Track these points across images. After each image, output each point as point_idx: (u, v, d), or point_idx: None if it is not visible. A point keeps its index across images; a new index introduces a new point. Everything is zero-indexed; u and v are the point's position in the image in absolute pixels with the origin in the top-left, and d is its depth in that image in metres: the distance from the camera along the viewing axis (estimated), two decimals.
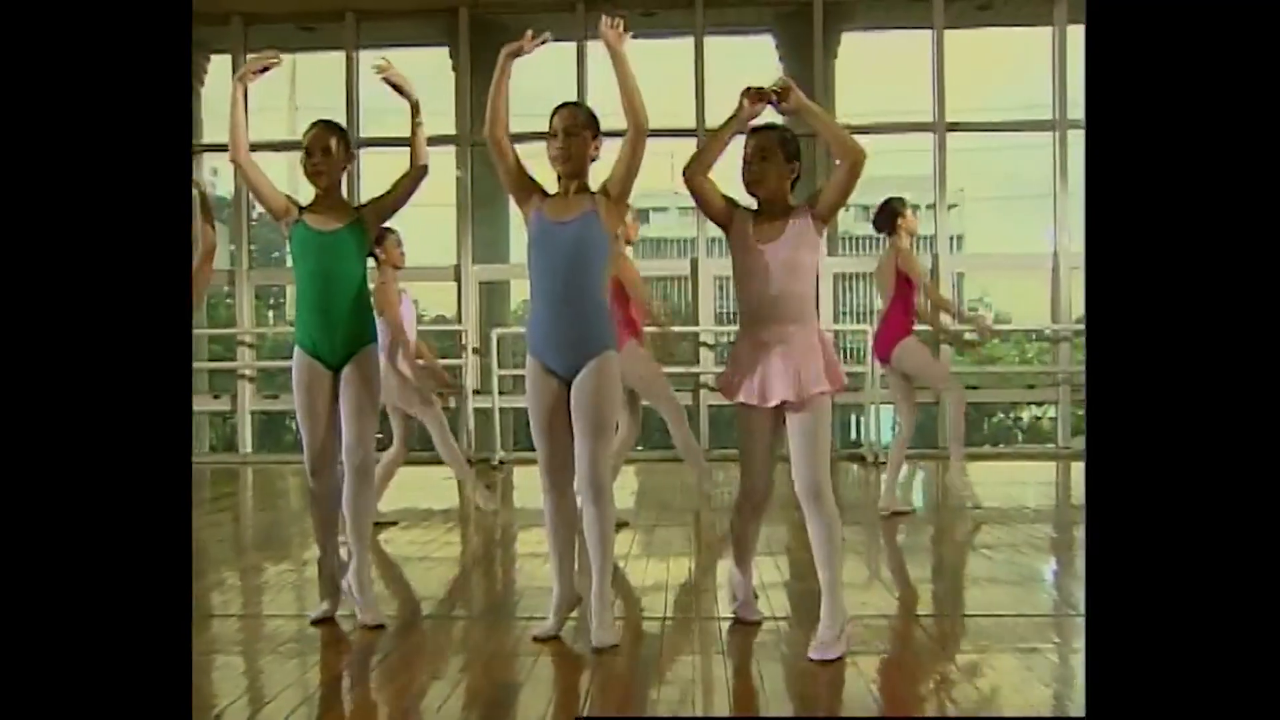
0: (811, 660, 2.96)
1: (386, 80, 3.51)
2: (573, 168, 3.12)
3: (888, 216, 5.42)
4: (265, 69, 3.41)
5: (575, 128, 3.11)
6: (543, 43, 3.17)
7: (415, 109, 3.50)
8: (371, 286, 3.90)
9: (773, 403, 3.08)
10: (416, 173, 3.49)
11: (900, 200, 5.47)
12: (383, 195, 3.51)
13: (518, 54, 3.17)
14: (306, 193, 3.55)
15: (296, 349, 3.46)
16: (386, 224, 3.98)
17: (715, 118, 9.82)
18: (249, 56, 3.36)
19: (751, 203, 3.15)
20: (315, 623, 3.47)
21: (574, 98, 9.52)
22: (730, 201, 3.16)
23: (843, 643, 3.02)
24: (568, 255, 3.10)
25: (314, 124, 3.48)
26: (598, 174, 3.22)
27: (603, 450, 3.13)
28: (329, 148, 3.43)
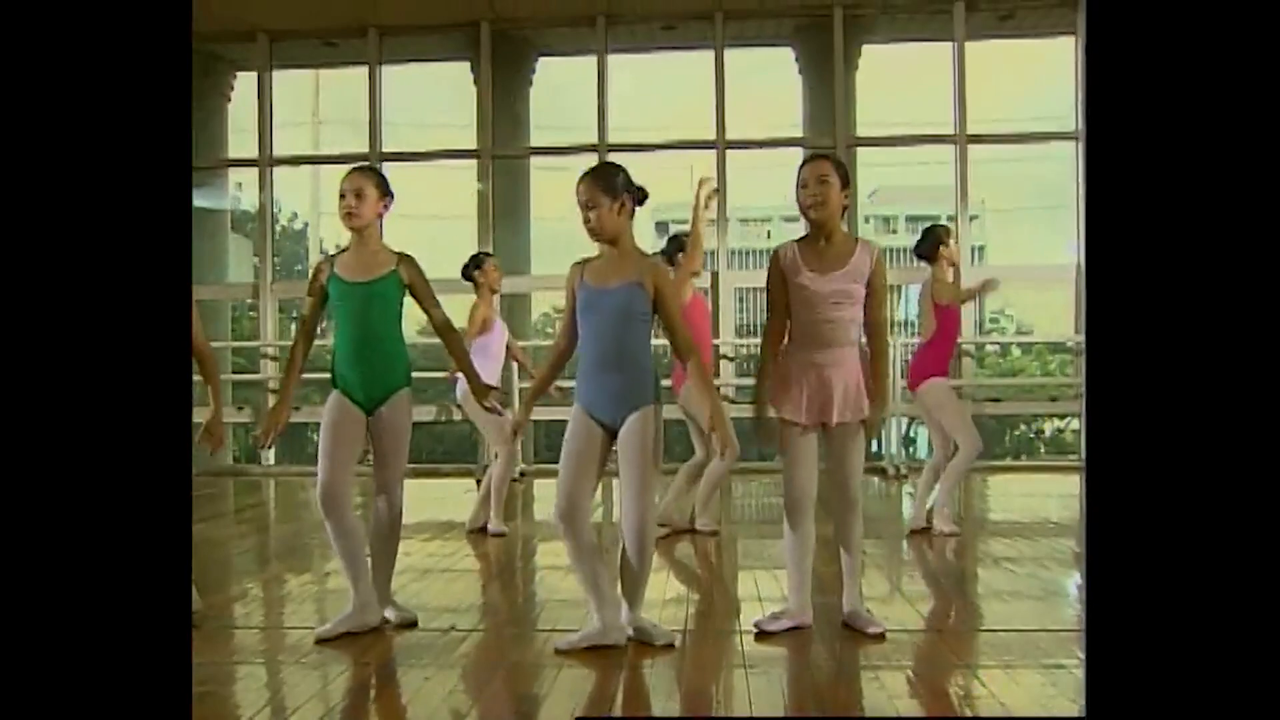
0: (848, 627, 3.41)
1: None
2: (605, 236, 3.20)
3: (930, 244, 5.28)
4: None
5: (595, 200, 3.17)
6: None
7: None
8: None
9: (832, 422, 3.33)
10: (450, 339, 3.65)
11: (945, 228, 5.37)
12: (427, 298, 3.55)
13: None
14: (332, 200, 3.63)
15: (333, 390, 3.53)
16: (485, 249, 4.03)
17: (735, 130, 9.92)
18: None
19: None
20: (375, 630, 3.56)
21: (595, 110, 9.62)
22: (775, 271, 3.36)
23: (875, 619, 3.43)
24: (613, 320, 3.19)
25: (351, 169, 3.55)
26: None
27: (650, 499, 3.22)
28: (361, 192, 3.49)
